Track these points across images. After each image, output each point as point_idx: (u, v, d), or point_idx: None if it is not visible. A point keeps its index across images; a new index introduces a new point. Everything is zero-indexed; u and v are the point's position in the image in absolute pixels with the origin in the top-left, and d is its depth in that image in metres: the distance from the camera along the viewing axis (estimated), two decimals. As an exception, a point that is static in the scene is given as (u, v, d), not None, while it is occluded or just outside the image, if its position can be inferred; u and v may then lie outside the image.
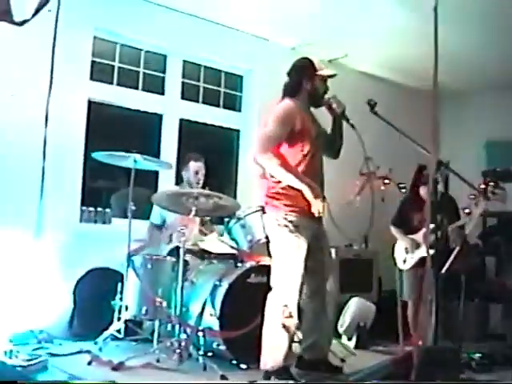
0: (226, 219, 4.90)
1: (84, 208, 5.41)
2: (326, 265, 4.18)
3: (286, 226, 3.87)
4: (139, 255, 4.68)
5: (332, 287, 4.24)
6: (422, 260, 5.10)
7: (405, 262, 5.45)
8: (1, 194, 4.68)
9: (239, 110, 6.61)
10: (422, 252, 5.23)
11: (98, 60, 5.52)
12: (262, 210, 4.47)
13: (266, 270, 4.32)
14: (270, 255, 4.04)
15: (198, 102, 6.28)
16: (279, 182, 3.95)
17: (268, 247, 4.05)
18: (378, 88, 6.70)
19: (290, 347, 3.87)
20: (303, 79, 4.09)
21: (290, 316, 3.83)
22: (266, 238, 4.15)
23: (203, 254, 5.04)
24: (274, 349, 3.85)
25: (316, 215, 3.84)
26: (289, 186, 3.90)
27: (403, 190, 5.54)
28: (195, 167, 5.39)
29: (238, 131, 6.58)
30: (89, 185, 5.49)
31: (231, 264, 4.75)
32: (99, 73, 5.51)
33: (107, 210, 5.56)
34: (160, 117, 6.01)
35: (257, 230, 4.69)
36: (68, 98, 5.04)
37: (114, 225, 5.53)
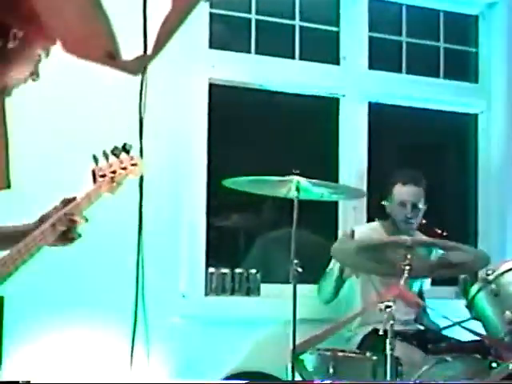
0: (462, 277, 5.08)
1: (212, 270, 5.43)
2: None
3: None
4: (313, 350, 4.58)
5: None
6: None
7: None
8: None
9: (475, 80, 6.54)
10: None
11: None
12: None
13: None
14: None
15: (400, 72, 6.30)
16: None
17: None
18: None
19: None
20: None
21: None
22: None
23: (426, 343, 4.90)
24: None
25: None
26: None
27: None
28: (403, 194, 5.36)
29: (475, 116, 6.51)
30: (217, 231, 5.69)
31: (479, 362, 4.61)
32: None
33: (252, 270, 5.55)
34: (336, 101, 5.99)
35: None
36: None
37: (263, 296, 5.54)
